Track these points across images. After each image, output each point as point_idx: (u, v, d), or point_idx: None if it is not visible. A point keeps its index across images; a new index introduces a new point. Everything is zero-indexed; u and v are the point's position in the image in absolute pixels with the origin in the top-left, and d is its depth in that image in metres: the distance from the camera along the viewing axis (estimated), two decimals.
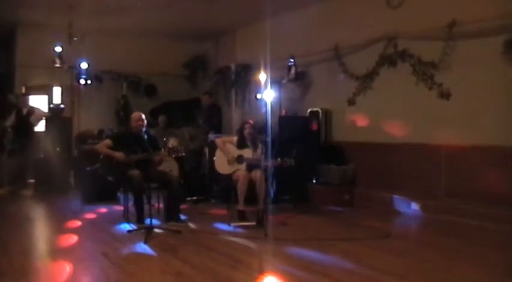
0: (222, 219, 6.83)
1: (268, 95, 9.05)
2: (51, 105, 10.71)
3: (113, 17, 10.49)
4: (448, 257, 5.10)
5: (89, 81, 10.83)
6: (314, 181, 8.63)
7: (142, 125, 6.72)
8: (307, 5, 9.56)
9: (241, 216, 6.74)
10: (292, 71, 9.27)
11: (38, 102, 11.20)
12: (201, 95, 10.35)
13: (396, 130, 8.05)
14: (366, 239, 5.88)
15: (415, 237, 6.14)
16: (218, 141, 7.23)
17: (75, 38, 9.93)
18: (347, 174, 8.55)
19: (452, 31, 7.07)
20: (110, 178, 6.64)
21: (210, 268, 4.58)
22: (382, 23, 8.16)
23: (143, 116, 6.81)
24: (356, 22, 8.69)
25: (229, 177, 6.94)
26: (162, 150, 6.73)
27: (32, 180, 10.12)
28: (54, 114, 10.48)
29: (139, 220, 6.42)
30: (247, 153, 6.92)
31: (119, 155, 6.50)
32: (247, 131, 7.01)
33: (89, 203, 8.09)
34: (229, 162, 6.94)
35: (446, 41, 7.17)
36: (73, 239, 5.85)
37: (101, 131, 10.52)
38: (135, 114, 6.91)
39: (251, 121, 7.33)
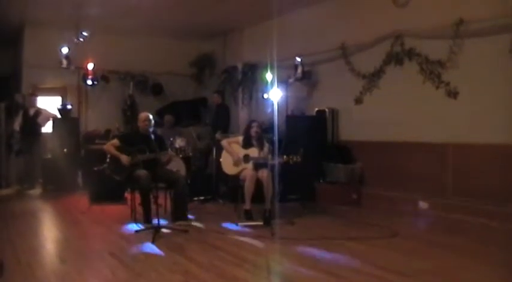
0: (229, 219, 6.83)
1: (275, 94, 9.04)
2: (58, 107, 10.70)
3: (120, 17, 10.51)
4: (457, 255, 5.08)
5: (95, 82, 10.83)
6: (321, 180, 8.61)
7: (149, 125, 6.73)
8: (314, 4, 9.54)
9: (248, 216, 6.73)
10: (299, 70, 9.26)
11: (45, 102, 11.22)
12: (212, 93, 10.33)
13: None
14: (373, 238, 5.86)
15: (423, 236, 6.10)
16: (224, 142, 7.22)
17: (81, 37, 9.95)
18: (354, 173, 8.52)
19: (460, 29, 7.03)
20: (117, 178, 6.65)
21: (217, 267, 4.58)
22: (388, 21, 8.13)
23: (150, 116, 6.82)
24: (363, 21, 8.67)
25: (236, 177, 6.94)
26: (169, 150, 6.74)
27: (40, 180, 10.16)
28: (61, 115, 10.50)
29: (147, 220, 6.43)
30: (253, 152, 6.91)
31: (124, 159, 6.51)
32: (253, 130, 7.00)
33: (97, 202, 8.11)
34: (235, 164, 6.93)
35: (454, 40, 7.13)
36: (81, 238, 5.87)
37: (108, 131, 10.55)
38: (142, 114, 6.93)
39: (257, 120, 7.34)
